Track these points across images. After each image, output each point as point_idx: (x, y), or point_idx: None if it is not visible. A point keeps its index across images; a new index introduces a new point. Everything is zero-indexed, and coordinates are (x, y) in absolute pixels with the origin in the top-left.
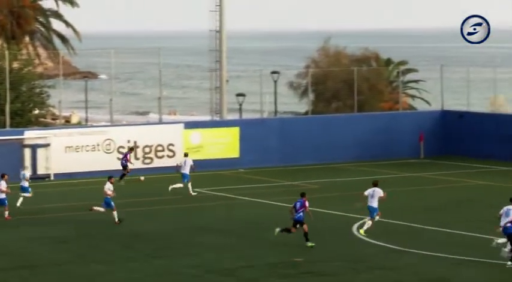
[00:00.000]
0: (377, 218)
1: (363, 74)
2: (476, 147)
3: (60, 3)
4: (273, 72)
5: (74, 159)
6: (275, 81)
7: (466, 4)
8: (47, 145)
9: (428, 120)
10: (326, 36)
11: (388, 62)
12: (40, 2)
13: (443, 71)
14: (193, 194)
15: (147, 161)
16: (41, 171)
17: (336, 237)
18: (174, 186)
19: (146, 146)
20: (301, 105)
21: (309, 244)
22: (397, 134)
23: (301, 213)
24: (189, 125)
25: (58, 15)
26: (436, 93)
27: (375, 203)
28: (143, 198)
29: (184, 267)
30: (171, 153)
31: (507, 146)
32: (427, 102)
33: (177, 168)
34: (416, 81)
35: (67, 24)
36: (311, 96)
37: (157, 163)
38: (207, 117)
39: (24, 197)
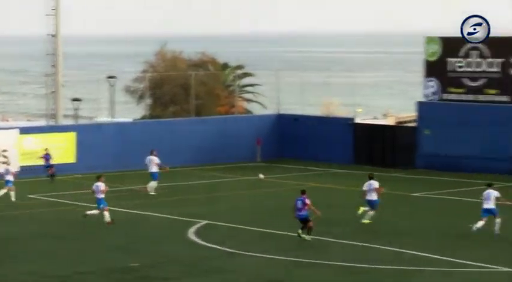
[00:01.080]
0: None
1: (200, 78)
2: (311, 150)
3: None
4: (110, 77)
5: None
6: (112, 86)
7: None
8: None
9: (264, 123)
10: (163, 41)
11: (225, 66)
12: None
13: (279, 75)
14: (152, 193)
15: None
16: None
17: (172, 241)
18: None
19: None
20: (139, 110)
21: (307, 237)
22: (235, 137)
23: (304, 212)
24: (24, 131)
25: None
26: (273, 97)
27: (374, 196)
28: None
29: (19, 274)
30: (5, 159)
31: (340, 148)
32: (263, 106)
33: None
34: (252, 85)
35: None
36: (148, 100)
37: None
38: (42, 123)
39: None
